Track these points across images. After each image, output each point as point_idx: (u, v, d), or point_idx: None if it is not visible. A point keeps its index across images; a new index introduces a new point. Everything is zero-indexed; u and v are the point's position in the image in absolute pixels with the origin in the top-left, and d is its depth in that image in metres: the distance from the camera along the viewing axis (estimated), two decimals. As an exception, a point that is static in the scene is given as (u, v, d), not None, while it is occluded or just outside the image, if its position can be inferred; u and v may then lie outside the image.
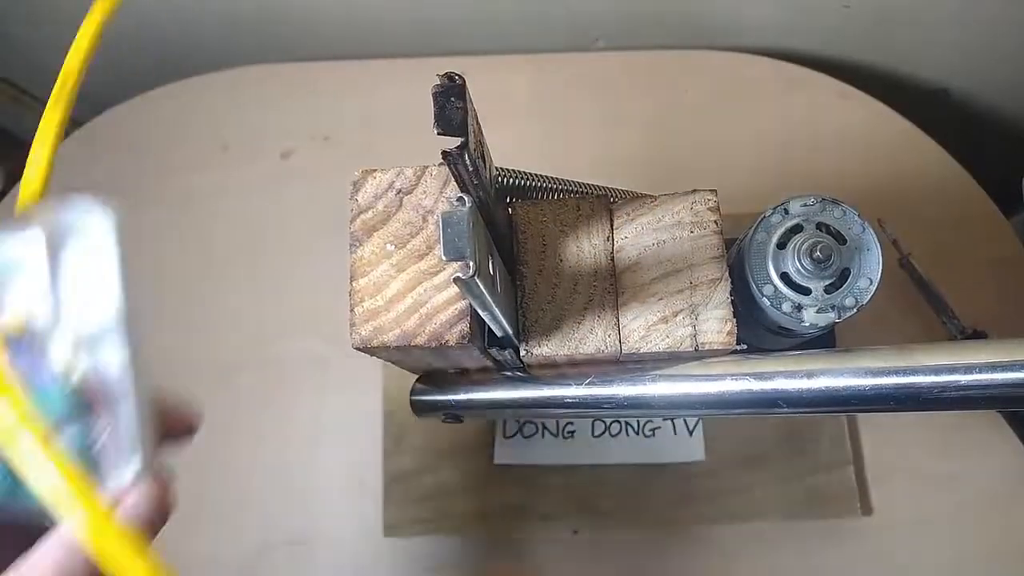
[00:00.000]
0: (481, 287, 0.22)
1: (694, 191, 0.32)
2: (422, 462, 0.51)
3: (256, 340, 0.54)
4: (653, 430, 0.50)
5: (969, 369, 0.29)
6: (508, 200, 0.32)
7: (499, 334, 0.28)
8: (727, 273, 0.31)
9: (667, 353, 0.31)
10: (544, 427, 0.51)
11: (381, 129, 0.58)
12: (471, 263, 0.21)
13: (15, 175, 0.60)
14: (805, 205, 0.33)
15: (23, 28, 0.61)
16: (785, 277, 0.32)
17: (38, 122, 0.24)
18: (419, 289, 0.29)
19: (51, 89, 0.24)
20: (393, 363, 0.34)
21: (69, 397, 0.21)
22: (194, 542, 0.51)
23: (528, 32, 0.61)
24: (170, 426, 0.27)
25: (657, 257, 0.31)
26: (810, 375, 0.31)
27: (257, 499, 0.52)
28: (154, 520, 0.23)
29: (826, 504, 0.49)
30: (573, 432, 0.51)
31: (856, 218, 0.32)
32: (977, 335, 0.47)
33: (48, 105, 0.24)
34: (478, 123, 0.25)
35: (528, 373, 0.34)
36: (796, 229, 0.33)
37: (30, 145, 0.23)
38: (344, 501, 0.51)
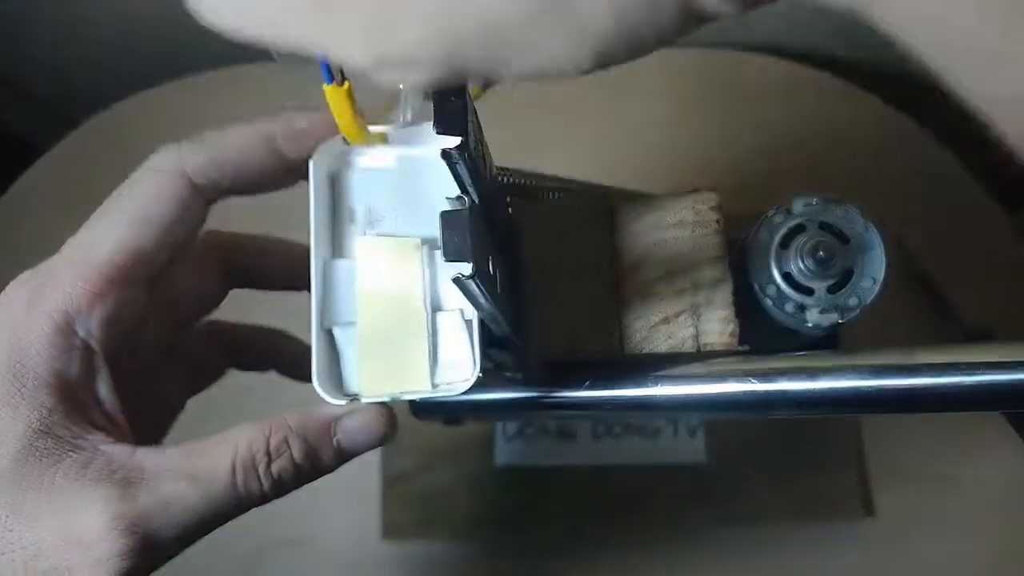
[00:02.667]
0: (481, 287, 0.22)
1: (695, 191, 0.32)
2: (421, 463, 0.51)
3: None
4: (655, 431, 0.50)
5: (973, 370, 0.29)
6: (508, 200, 0.32)
7: (499, 334, 0.27)
8: (729, 274, 0.31)
9: (669, 354, 0.30)
10: (545, 428, 0.51)
11: (381, 128, 0.58)
12: (471, 264, 0.21)
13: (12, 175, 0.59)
14: (808, 205, 0.33)
15: (22, 27, 0.60)
16: (788, 277, 0.32)
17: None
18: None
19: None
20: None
21: None
22: (193, 543, 0.50)
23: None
24: None
25: (658, 257, 0.31)
26: (813, 376, 0.31)
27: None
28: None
29: (828, 506, 0.49)
30: (574, 433, 0.50)
31: (859, 217, 0.32)
32: (982, 335, 0.47)
33: None
34: (478, 122, 0.24)
35: (528, 374, 0.34)
36: (799, 229, 0.33)
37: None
38: (342, 502, 0.51)
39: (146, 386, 0.28)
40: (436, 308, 0.26)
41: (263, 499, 0.24)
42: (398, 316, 0.25)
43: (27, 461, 0.22)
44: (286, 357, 0.35)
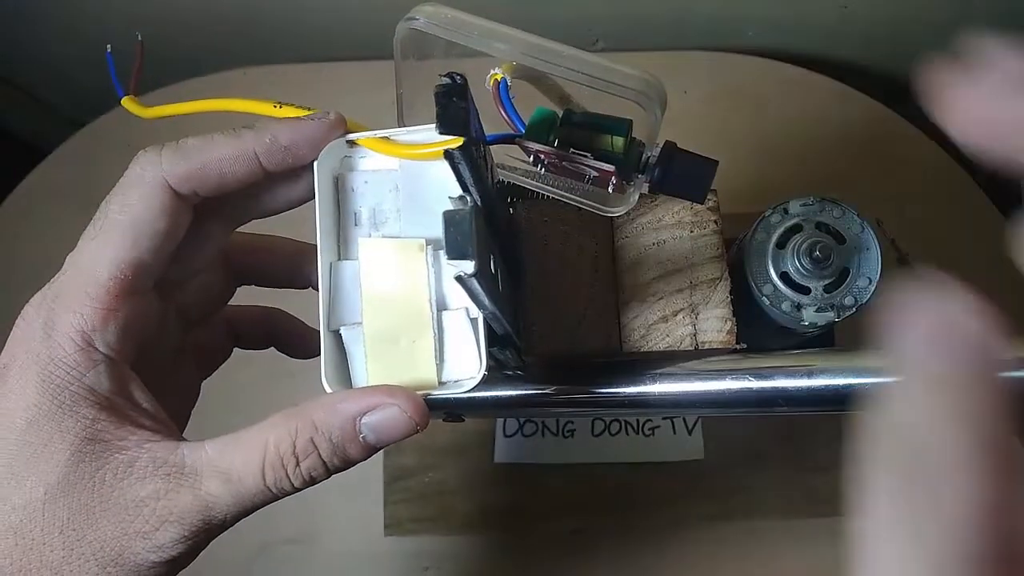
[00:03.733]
0: (483, 286, 0.22)
1: (694, 191, 0.32)
2: (422, 461, 0.51)
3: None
4: (652, 429, 0.50)
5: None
6: (509, 200, 0.33)
7: (499, 333, 0.28)
8: (727, 273, 0.31)
9: (667, 352, 0.31)
10: (544, 426, 0.51)
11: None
12: (473, 262, 0.21)
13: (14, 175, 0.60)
14: (804, 205, 0.33)
15: (22, 28, 0.61)
16: (785, 276, 0.33)
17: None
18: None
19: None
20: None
21: None
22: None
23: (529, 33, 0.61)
24: None
25: (657, 256, 0.31)
26: (810, 374, 0.31)
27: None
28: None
29: (825, 502, 0.49)
30: (573, 431, 0.51)
31: (855, 218, 0.33)
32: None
33: None
34: (480, 123, 0.25)
35: (528, 372, 0.34)
36: (795, 229, 0.33)
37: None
38: (344, 500, 0.51)
39: (166, 383, 0.28)
40: (441, 307, 0.26)
41: (295, 491, 0.25)
42: (404, 316, 0.25)
43: (78, 467, 0.24)
44: (284, 335, 0.35)
